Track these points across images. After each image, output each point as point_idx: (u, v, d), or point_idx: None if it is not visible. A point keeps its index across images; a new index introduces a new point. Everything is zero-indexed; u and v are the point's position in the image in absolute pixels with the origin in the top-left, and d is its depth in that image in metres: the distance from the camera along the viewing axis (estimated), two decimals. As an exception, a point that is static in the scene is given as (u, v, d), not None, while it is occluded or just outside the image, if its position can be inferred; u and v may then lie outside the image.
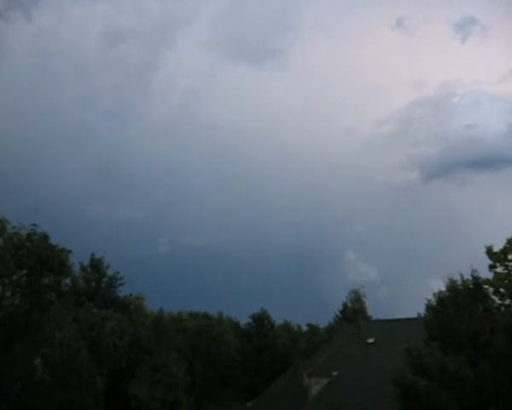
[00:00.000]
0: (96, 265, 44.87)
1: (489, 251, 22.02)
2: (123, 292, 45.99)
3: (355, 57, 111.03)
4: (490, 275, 21.80)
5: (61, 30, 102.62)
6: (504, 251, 22.13)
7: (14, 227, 33.02)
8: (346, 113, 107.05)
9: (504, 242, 22.26)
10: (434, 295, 21.79)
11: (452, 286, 21.35)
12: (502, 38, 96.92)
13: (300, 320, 65.25)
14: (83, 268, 44.16)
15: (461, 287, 21.23)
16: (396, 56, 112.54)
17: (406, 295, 64.13)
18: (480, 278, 21.24)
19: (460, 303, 20.65)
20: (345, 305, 57.76)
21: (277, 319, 62.42)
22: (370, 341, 34.43)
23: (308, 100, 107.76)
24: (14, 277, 33.00)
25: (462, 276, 21.38)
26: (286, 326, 63.82)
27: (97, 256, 45.09)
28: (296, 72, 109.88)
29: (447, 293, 21.38)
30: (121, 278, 45.77)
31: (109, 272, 45.36)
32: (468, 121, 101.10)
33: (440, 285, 21.80)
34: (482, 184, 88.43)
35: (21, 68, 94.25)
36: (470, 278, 21.23)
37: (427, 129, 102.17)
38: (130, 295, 46.41)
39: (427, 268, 70.74)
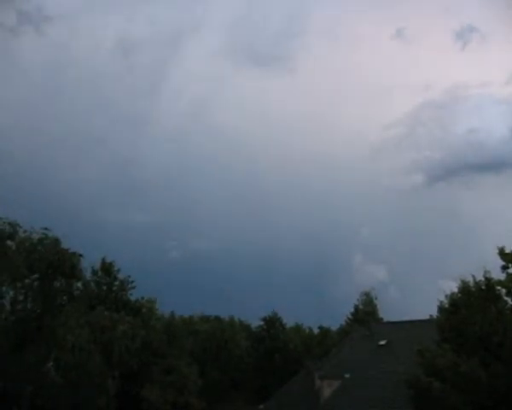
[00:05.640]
0: (107, 268, 45.06)
1: (501, 252, 21.75)
2: (134, 296, 46.24)
3: (359, 64, 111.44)
4: (502, 276, 21.59)
5: (72, 42, 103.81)
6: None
7: (25, 231, 33.22)
8: (352, 117, 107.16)
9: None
10: (446, 296, 21.68)
11: (464, 288, 21.22)
12: (502, 44, 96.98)
13: (312, 323, 65.23)
14: (94, 272, 44.36)
15: (473, 288, 21.09)
16: (398, 64, 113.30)
17: (416, 297, 63.86)
18: (492, 279, 21.09)
19: (472, 305, 20.53)
20: (356, 307, 57.61)
21: (288, 321, 62.43)
22: (382, 343, 34.27)
23: (314, 104, 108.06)
24: (27, 281, 33.20)
25: (474, 277, 21.25)
26: (297, 329, 63.77)
27: (108, 260, 45.35)
28: (304, 77, 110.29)
29: (459, 295, 21.26)
30: (132, 282, 45.95)
31: (120, 276, 45.61)
32: (472, 125, 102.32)
33: (451, 286, 21.73)
34: (488, 185, 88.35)
35: (33, 80, 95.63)
36: (482, 279, 21.09)
37: (431, 133, 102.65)
38: (142, 298, 46.55)
39: (435, 269, 70.44)
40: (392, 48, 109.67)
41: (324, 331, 63.06)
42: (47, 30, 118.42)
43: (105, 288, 44.58)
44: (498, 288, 21.08)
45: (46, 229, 34.18)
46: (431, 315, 26.64)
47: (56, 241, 33.99)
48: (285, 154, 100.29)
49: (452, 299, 21.33)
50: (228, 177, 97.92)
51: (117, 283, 45.31)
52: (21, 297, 33.43)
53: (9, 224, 32.19)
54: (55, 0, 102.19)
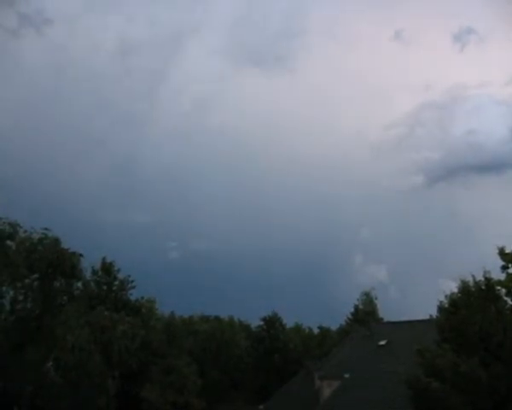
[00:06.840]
0: (107, 268, 45.10)
1: (501, 252, 21.77)
2: (134, 296, 46.29)
3: (359, 64, 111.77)
4: (502, 276, 21.60)
5: (72, 43, 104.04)
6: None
7: (25, 231, 33.26)
8: (352, 117, 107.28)
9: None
10: (446, 296, 21.67)
11: (464, 288, 21.22)
12: (501, 42, 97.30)
13: (311, 323, 65.29)
14: (94, 272, 44.39)
15: (473, 288, 21.09)
16: (398, 64, 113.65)
17: (416, 297, 63.94)
18: (492, 279, 21.09)
19: (472, 305, 20.53)
20: (356, 307, 57.60)
21: (288, 322, 62.46)
22: (382, 343, 34.25)
23: (314, 104, 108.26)
24: (27, 280, 33.24)
25: (474, 277, 21.25)
26: (297, 329, 63.78)
27: (108, 260, 45.37)
28: (304, 77, 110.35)
29: (459, 294, 21.26)
30: (132, 282, 45.99)
31: (120, 276, 45.64)
32: (472, 126, 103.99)
33: (451, 286, 21.72)
34: (488, 186, 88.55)
35: (34, 81, 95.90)
36: (482, 279, 21.10)
37: (431, 133, 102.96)
38: (142, 298, 46.60)
39: (435, 269, 70.52)
40: (391, 48, 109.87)
41: (324, 331, 63.10)
42: (47, 32, 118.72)
43: (105, 288, 44.62)
44: (498, 288, 21.09)
45: (46, 229, 34.25)
46: (431, 315, 26.59)
47: (56, 241, 34.02)
48: (285, 154, 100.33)
49: (452, 299, 21.31)
50: (228, 177, 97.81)
51: (117, 282, 45.37)
52: (21, 297, 33.46)
53: (9, 224, 32.24)
54: (55, 2, 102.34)
